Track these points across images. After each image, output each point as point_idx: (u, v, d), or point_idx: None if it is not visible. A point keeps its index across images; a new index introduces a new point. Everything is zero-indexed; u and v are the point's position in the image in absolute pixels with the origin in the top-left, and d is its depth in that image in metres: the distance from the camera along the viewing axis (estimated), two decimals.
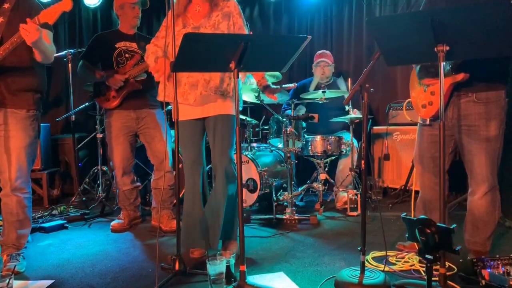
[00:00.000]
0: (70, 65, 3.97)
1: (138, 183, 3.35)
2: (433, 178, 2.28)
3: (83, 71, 3.20)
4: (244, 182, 3.51)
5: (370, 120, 4.10)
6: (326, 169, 3.65)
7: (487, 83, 2.09)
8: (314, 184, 3.68)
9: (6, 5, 2.27)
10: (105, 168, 4.21)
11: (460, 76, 2.07)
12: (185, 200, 2.48)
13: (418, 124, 2.37)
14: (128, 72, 3.08)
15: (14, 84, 2.32)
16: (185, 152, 2.49)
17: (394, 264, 2.26)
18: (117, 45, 3.15)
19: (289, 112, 3.57)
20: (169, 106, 3.66)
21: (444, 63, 1.85)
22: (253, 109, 4.51)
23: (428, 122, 2.24)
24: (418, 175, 2.40)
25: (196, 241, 2.45)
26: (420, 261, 2.22)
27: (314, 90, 3.72)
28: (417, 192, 2.48)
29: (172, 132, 3.62)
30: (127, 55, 3.14)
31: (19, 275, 2.26)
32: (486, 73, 2.08)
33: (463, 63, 2.10)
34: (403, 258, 2.31)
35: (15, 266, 2.27)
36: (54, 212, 3.64)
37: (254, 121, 3.86)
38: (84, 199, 4.01)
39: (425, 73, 2.24)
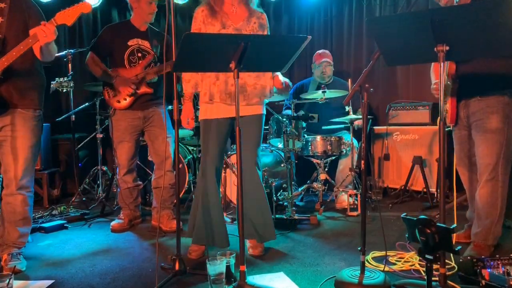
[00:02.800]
0: (70, 65, 3.97)
1: (140, 182, 3.35)
2: (474, 175, 2.42)
3: (91, 64, 3.08)
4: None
5: (370, 120, 4.10)
6: (326, 169, 3.65)
7: (487, 86, 2.23)
8: (314, 184, 3.68)
9: (2, 5, 2.28)
10: (105, 168, 4.21)
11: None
12: (199, 197, 2.45)
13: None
14: (139, 75, 3.03)
15: (21, 84, 2.35)
16: (207, 150, 2.44)
17: (394, 264, 2.26)
18: (129, 43, 3.09)
19: (288, 112, 3.56)
20: (170, 106, 3.66)
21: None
22: None
23: (451, 127, 2.46)
24: (460, 176, 2.53)
25: (209, 240, 2.44)
26: (420, 261, 2.22)
27: (317, 88, 3.72)
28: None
29: (180, 131, 3.65)
30: (139, 54, 3.10)
31: (19, 275, 2.26)
32: (484, 78, 2.22)
33: (459, 74, 2.24)
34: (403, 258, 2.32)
35: (14, 266, 2.28)
36: (54, 212, 3.63)
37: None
38: (84, 199, 4.01)
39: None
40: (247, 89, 2.39)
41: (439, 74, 1.76)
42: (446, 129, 2.48)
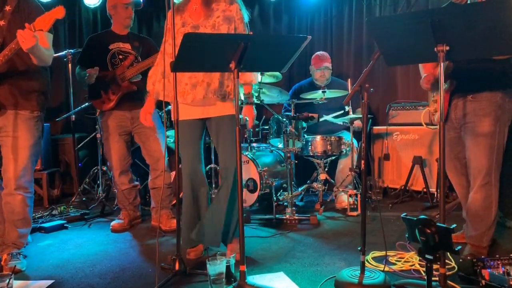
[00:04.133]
0: (70, 65, 3.97)
1: (137, 183, 3.35)
2: (463, 177, 2.40)
3: (79, 76, 3.21)
4: (244, 182, 3.51)
5: (370, 120, 4.10)
6: (326, 169, 3.65)
7: (481, 85, 2.20)
8: (314, 184, 3.68)
9: (8, 8, 2.28)
10: (105, 168, 4.20)
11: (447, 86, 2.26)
12: (183, 200, 2.49)
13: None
14: (122, 74, 3.08)
15: (20, 86, 2.35)
16: (183, 152, 2.48)
17: (394, 264, 2.26)
18: (110, 47, 3.15)
19: (288, 113, 3.57)
20: (169, 106, 3.66)
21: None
22: None
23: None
24: (450, 178, 2.51)
25: (194, 241, 2.47)
26: (420, 261, 2.22)
27: (314, 90, 3.72)
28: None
29: (171, 132, 3.65)
30: (120, 56, 3.15)
31: (19, 274, 2.26)
32: (479, 75, 2.18)
33: (453, 71, 2.21)
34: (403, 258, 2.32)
35: (15, 266, 2.28)
36: (54, 212, 3.63)
37: (254, 121, 3.85)
38: (84, 199, 4.01)
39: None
40: (197, 87, 2.32)
41: (438, 73, 1.76)
42: (433, 128, 2.46)
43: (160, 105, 2.67)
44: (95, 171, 4.19)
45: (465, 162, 2.34)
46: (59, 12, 2.13)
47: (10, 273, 1.90)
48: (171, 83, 2.23)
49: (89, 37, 3.34)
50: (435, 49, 1.72)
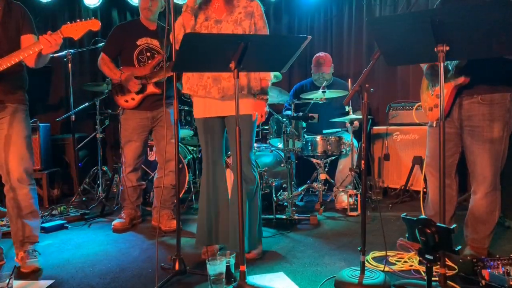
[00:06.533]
0: (70, 65, 3.97)
1: (143, 182, 3.35)
2: (446, 177, 2.30)
3: (101, 65, 3.16)
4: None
5: (370, 120, 4.10)
6: (326, 169, 3.65)
7: (492, 85, 2.12)
8: (314, 184, 3.68)
9: None
10: (105, 168, 4.21)
11: (460, 80, 2.12)
12: (200, 199, 2.46)
13: (428, 126, 2.41)
14: (147, 75, 3.05)
15: (11, 83, 2.36)
16: (206, 150, 2.44)
17: (394, 264, 2.26)
18: (138, 42, 3.10)
19: (288, 113, 3.56)
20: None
21: (447, 64, 1.87)
22: None
23: (434, 124, 2.31)
24: (427, 176, 2.43)
25: (212, 239, 2.43)
26: (420, 261, 2.22)
27: (316, 89, 3.71)
28: (425, 193, 2.49)
29: (185, 131, 3.64)
30: (148, 54, 3.11)
31: (20, 274, 2.27)
32: (491, 74, 2.11)
33: (465, 66, 2.13)
34: (403, 258, 2.32)
35: (35, 265, 2.32)
36: (54, 212, 3.63)
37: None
38: (84, 199, 4.01)
39: (432, 71, 2.30)
40: (222, 82, 2.32)
41: (439, 74, 1.76)
42: (429, 126, 2.40)
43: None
44: (95, 171, 4.19)
45: (452, 161, 2.29)
46: (95, 24, 2.21)
47: (10, 273, 1.90)
48: (194, 76, 2.34)
49: (117, 25, 3.28)
50: (435, 49, 1.72)
